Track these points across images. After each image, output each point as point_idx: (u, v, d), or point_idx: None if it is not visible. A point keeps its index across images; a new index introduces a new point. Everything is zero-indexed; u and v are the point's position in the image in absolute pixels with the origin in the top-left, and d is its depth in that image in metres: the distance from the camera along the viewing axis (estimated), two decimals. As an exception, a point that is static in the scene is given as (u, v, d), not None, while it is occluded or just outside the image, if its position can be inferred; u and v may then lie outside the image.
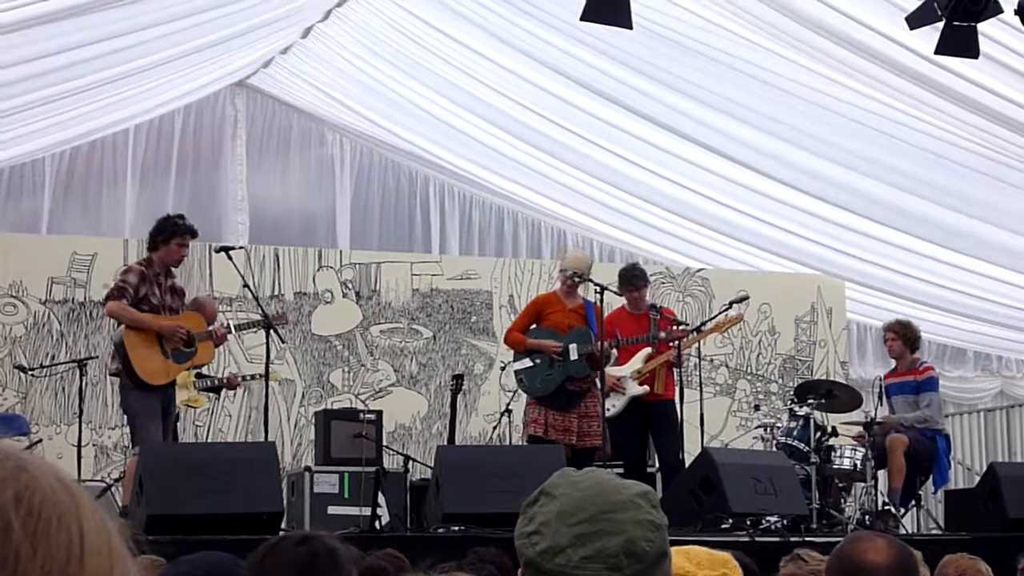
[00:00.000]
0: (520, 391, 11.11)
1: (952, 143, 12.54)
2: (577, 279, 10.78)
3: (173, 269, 9.76)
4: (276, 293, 13.86)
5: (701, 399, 11.66)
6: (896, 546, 3.32)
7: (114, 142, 15.14)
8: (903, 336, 11.92)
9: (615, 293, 10.99)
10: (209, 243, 13.27)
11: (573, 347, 10.52)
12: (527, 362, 10.62)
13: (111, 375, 9.83)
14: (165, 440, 9.31)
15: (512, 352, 11.01)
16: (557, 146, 14.51)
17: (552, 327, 10.66)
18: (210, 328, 9.78)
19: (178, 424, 10.98)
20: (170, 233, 9.54)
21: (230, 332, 9.99)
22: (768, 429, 11.42)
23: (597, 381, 10.63)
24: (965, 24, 8.98)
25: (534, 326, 10.79)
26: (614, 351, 11.09)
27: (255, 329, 10.44)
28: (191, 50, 12.98)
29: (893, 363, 12.23)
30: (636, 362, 10.96)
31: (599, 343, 10.47)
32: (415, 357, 14.21)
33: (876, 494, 11.34)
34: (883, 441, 11.52)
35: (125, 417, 9.53)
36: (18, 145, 13.91)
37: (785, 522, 9.36)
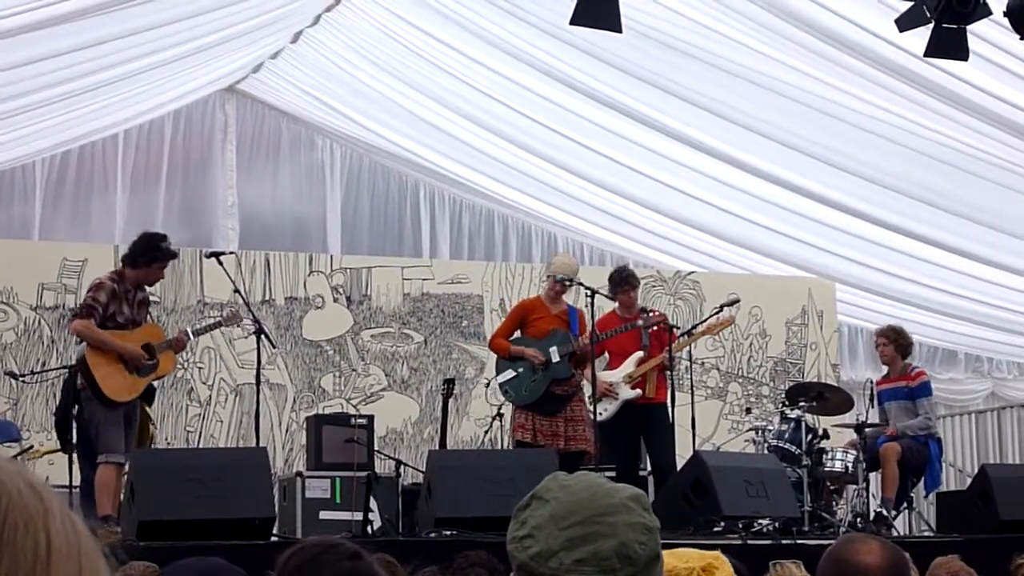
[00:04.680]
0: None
1: (944, 144, 12.55)
2: (567, 284, 10.78)
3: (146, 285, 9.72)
4: (267, 298, 13.84)
5: (692, 402, 11.69)
6: (889, 548, 3.33)
7: (104, 148, 15.12)
8: (895, 342, 11.91)
9: (607, 297, 10.98)
10: (199, 249, 13.26)
11: (553, 350, 10.51)
12: (510, 373, 10.59)
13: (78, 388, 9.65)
14: (128, 451, 9.23)
15: (494, 364, 10.98)
16: (547, 149, 14.51)
17: (536, 336, 10.63)
18: (170, 338, 9.73)
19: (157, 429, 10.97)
20: (152, 257, 9.46)
21: (188, 338, 9.95)
22: (759, 432, 11.43)
23: (587, 385, 10.64)
24: (954, 26, 8.99)
25: (518, 333, 10.77)
26: (606, 353, 11.10)
27: (211, 331, 10.59)
28: (181, 55, 12.98)
29: (885, 367, 12.21)
30: (628, 366, 10.95)
31: (579, 340, 10.52)
32: (406, 362, 14.20)
33: (868, 496, 11.34)
34: (875, 444, 11.53)
35: (88, 426, 9.39)
36: (8, 150, 13.89)
37: (777, 525, 9.36)
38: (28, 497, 1.23)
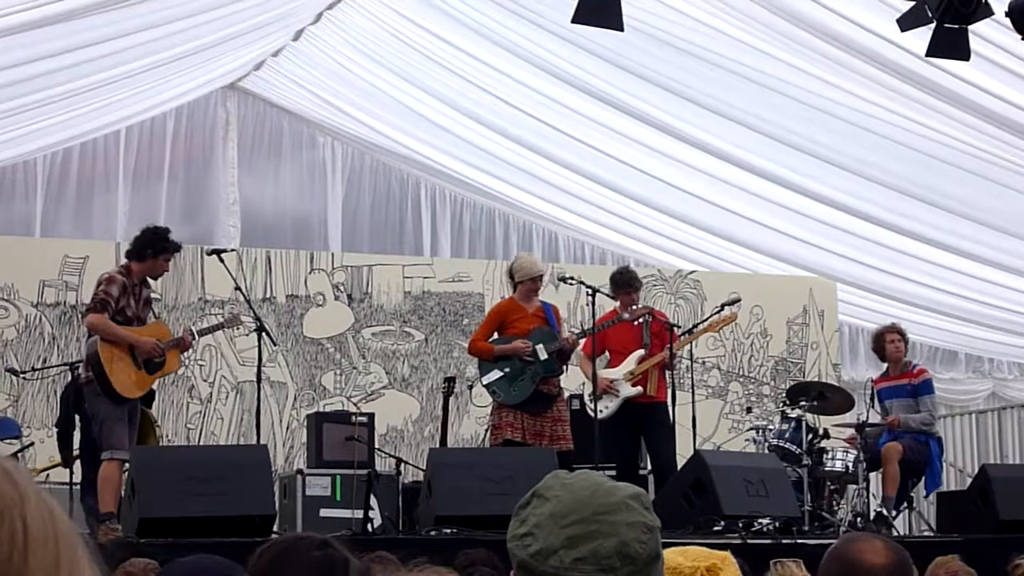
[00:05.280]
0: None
1: (945, 144, 12.54)
2: (571, 282, 10.83)
3: (151, 279, 9.72)
4: (268, 296, 13.84)
5: (693, 401, 11.67)
6: (893, 547, 3.32)
7: (106, 145, 15.13)
8: (904, 339, 11.94)
9: (608, 296, 10.98)
10: (201, 246, 13.26)
11: (540, 347, 10.50)
12: (496, 373, 10.54)
13: (81, 384, 9.62)
14: (131, 446, 9.23)
15: (477, 366, 10.93)
16: (548, 147, 14.51)
17: (516, 335, 10.60)
18: (176, 337, 9.73)
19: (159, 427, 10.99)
20: (160, 249, 9.46)
21: (193, 338, 9.95)
22: (760, 431, 11.42)
23: (588, 383, 10.63)
24: (956, 26, 8.99)
25: (495, 335, 10.74)
26: (606, 351, 11.10)
27: (215, 331, 10.59)
28: (183, 53, 12.98)
29: (884, 365, 12.17)
30: (629, 364, 10.95)
31: (569, 336, 10.56)
32: (407, 359, 14.20)
33: (868, 496, 11.34)
34: (876, 444, 11.52)
35: (92, 423, 9.39)
36: (10, 148, 13.90)
37: (777, 524, 9.36)
38: (3, 484, 1.23)
